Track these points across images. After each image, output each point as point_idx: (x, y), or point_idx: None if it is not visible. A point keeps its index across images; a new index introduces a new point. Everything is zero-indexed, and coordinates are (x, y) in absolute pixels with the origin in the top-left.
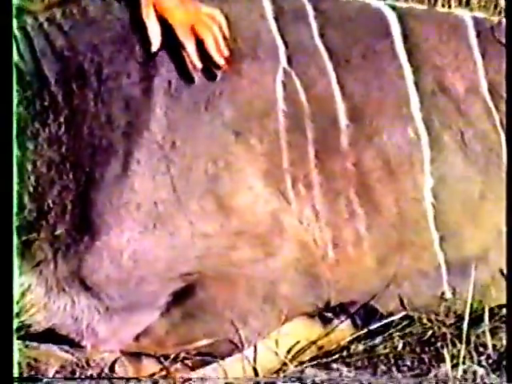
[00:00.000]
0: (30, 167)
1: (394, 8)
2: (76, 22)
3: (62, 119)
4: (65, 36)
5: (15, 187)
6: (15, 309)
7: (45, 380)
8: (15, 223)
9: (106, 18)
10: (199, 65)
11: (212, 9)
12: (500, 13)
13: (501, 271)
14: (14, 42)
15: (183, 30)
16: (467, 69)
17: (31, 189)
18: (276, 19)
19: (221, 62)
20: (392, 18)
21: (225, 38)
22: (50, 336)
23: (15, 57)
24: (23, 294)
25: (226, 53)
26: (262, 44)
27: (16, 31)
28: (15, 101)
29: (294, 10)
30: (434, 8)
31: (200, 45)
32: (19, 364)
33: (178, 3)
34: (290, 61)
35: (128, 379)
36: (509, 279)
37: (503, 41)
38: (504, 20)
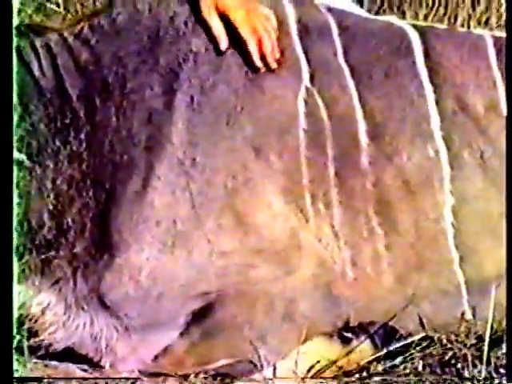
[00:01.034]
0: (49, 185)
1: (415, 27)
2: (103, 34)
3: (83, 136)
4: (90, 50)
5: (35, 205)
6: (35, 327)
7: (45, 380)
8: (35, 241)
9: (134, 29)
10: (260, 64)
11: (268, 10)
12: None
13: None
14: (35, 59)
15: (246, 29)
16: (487, 87)
17: (51, 206)
18: (300, 37)
19: (273, 65)
20: (414, 37)
21: (277, 39)
22: (69, 355)
23: (37, 74)
24: (43, 312)
25: (278, 55)
26: (286, 61)
27: (39, 49)
28: (34, 118)
29: (318, 27)
30: (455, 27)
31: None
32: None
33: (239, 2)
34: (312, 78)
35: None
36: (508, 279)
37: None
38: None
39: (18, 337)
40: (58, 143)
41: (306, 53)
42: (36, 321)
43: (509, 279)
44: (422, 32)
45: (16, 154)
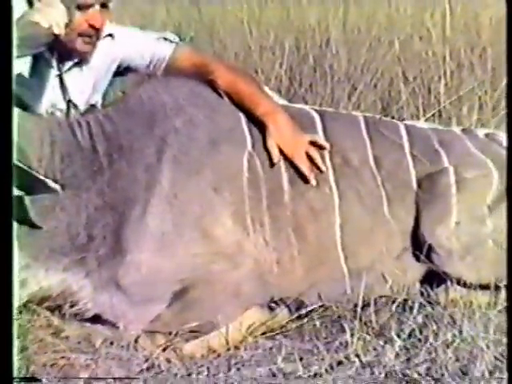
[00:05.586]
0: (83, 208)
1: (317, 111)
2: (121, 114)
3: (106, 178)
4: (112, 123)
5: (73, 221)
6: (74, 299)
7: (44, 380)
8: (74, 244)
9: (139, 111)
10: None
11: (313, 135)
12: None
13: (382, 275)
14: (79, 129)
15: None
16: (361, 147)
17: (84, 222)
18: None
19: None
20: (316, 118)
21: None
22: (97, 319)
23: (79, 138)
24: (80, 290)
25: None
26: (235, 133)
27: (82, 122)
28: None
29: None
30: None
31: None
32: (79, 336)
33: (293, 141)
34: (253, 146)
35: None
36: (509, 278)
37: None
38: None
39: (66, 306)
40: (89, 183)
41: (249, 128)
42: (75, 295)
43: (509, 276)
44: (321, 114)
45: (58, 188)
